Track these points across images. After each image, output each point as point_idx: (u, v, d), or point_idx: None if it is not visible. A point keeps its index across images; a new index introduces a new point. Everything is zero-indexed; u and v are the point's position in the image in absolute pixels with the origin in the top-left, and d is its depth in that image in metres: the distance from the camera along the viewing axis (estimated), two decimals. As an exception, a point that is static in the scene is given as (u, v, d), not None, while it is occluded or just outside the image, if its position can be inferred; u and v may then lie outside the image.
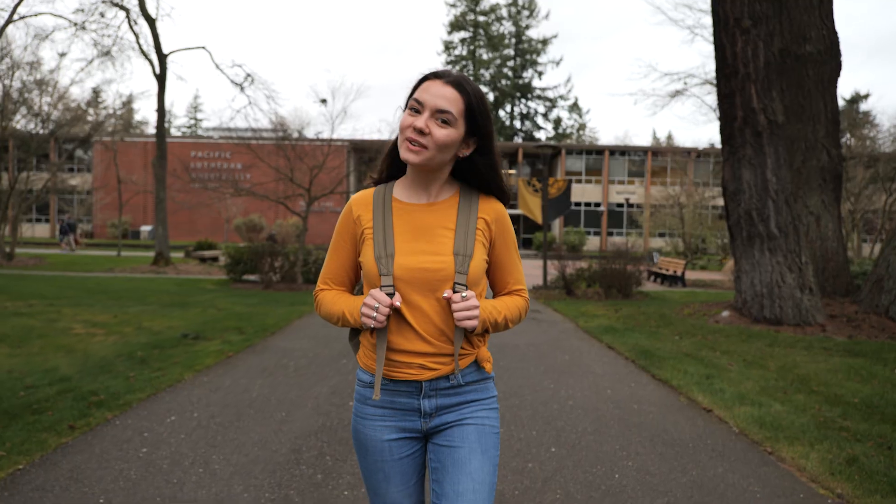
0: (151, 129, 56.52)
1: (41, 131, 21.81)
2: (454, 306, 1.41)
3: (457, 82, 1.45)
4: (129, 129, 41.64)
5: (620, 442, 3.86)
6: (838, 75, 10.30)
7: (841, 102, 60.97)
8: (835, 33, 10.21)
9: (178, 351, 6.30)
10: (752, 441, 3.94)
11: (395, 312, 1.46)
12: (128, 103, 29.75)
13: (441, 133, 1.42)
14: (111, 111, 27.00)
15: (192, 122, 73.11)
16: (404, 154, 1.44)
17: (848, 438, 3.89)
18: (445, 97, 1.43)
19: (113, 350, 6.25)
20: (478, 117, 1.47)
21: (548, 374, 5.75)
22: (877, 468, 3.37)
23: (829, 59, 10.10)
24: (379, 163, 1.61)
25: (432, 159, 1.45)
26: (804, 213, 9.57)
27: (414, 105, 1.45)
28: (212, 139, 44.76)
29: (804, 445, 3.77)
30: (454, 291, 1.44)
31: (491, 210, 1.55)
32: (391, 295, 1.44)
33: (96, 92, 26.86)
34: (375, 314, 1.41)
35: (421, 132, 1.42)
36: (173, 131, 65.45)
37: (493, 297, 1.63)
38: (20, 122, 21.72)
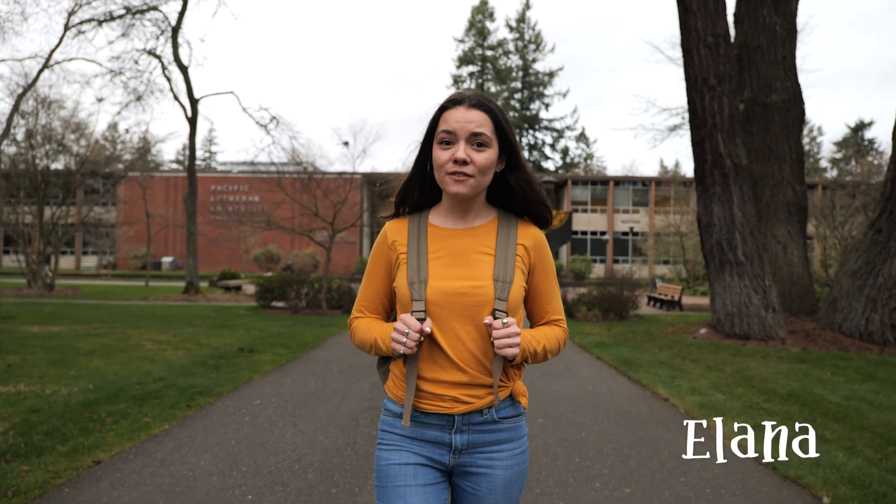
0: (173, 165, 58.85)
1: (77, 170, 23.58)
2: (495, 333, 1.37)
3: (479, 103, 1.45)
4: (158, 167, 43.62)
5: (591, 417, 5.19)
6: (802, 121, 11.73)
7: (845, 131, 61.76)
8: (797, 84, 11.66)
9: (240, 361, 7.69)
10: (690, 415, 5.26)
11: (429, 340, 1.44)
12: (146, 143, 31.72)
13: (482, 157, 1.42)
14: (141, 150, 28.88)
15: (207, 154, 75.60)
16: (453, 189, 1.43)
17: (761, 414, 5.20)
18: (475, 121, 1.42)
19: (187, 360, 7.64)
20: (507, 131, 1.47)
21: (543, 377, 7.07)
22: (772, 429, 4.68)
23: (793, 106, 11.53)
24: (397, 198, 1.58)
25: (479, 185, 1.45)
26: (772, 242, 10.91)
27: (444, 138, 1.44)
28: (230, 173, 46.77)
29: (727, 418, 5.08)
30: (494, 318, 1.41)
31: (530, 236, 1.53)
32: (422, 320, 1.41)
33: (128, 132, 28.71)
34: (405, 339, 1.38)
35: (464, 162, 1.41)
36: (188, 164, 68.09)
37: (531, 326, 1.60)
38: (58, 160, 23.53)
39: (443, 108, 1.47)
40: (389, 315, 1.63)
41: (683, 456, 3.94)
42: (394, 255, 1.52)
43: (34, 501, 3.12)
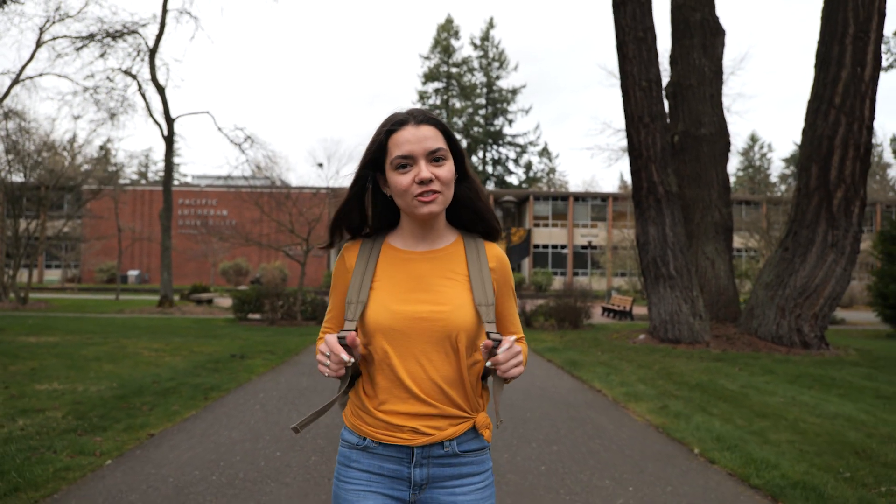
0: (133, 177, 58.76)
1: (46, 184, 24.09)
2: (502, 356, 1.30)
3: (427, 118, 1.41)
4: (129, 183, 43.85)
5: (537, 403, 6.43)
6: (728, 151, 13.31)
7: (793, 148, 64.80)
8: (723, 119, 13.26)
9: (235, 364, 8.73)
10: (616, 402, 6.56)
11: (388, 369, 1.39)
12: (107, 154, 32.27)
13: (444, 171, 1.38)
14: (100, 161, 29.44)
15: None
16: (424, 210, 1.37)
17: (671, 398, 6.52)
18: (429, 137, 1.38)
19: (187, 364, 8.65)
20: (456, 142, 1.44)
21: (499, 374, 8.29)
22: (674, 408, 6.00)
23: (720, 138, 13.11)
24: (331, 226, 1.52)
25: (447, 200, 1.41)
26: (702, 258, 12.41)
27: (401, 163, 1.37)
28: (198, 187, 47.18)
29: (644, 402, 6.38)
30: (492, 339, 1.34)
31: (495, 258, 1.50)
32: (343, 339, 1.32)
33: (108, 150, 29.24)
34: (328, 362, 1.32)
35: (429, 180, 1.36)
36: (151, 176, 68.10)
37: None
38: (32, 176, 24.02)
39: (389, 132, 1.40)
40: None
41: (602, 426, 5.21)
42: (349, 274, 1.49)
43: (117, 459, 4.20)
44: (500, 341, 1.33)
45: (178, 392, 6.53)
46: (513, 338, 1.32)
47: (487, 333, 1.38)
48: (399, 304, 1.40)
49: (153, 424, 5.11)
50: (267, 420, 5.43)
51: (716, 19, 13.34)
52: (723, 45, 13.46)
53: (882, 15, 10.47)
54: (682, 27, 13.29)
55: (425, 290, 1.42)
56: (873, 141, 10.69)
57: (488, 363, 1.32)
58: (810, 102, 11.09)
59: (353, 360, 1.31)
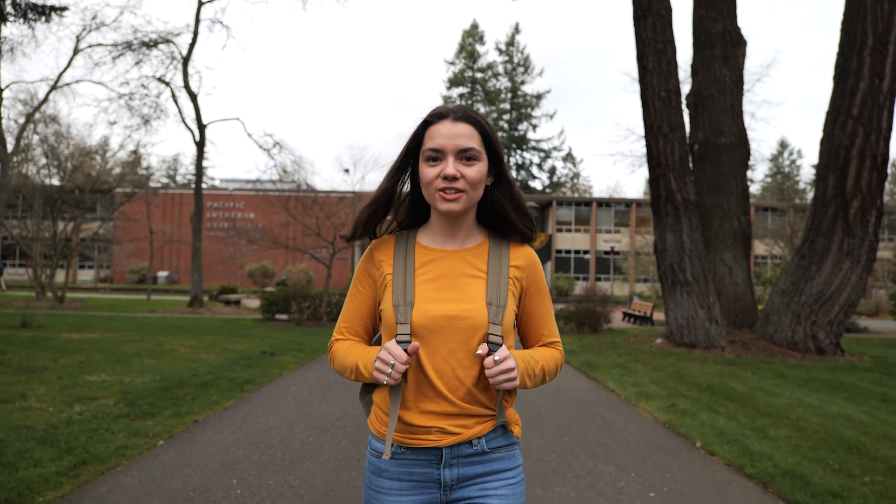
0: (164, 180, 60.20)
1: (87, 187, 25.03)
2: (487, 372, 1.31)
3: (465, 115, 1.41)
4: (164, 187, 45.15)
5: (551, 400, 6.79)
6: (748, 160, 13.51)
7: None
8: (743, 128, 13.46)
9: (266, 361, 9.21)
10: (627, 401, 6.88)
11: (415, 367, 1.38)
12: (137, 158, 33.37)
13: (472, 171, 1.38)
14: (131, 164, 30.47)
15: (196, 170, 77.03)
16: (444, 206, 1.38)
17: (680, 398, 6.83)
18: (463, 134, 1.38)
19: (222, 360, 9.15)
20: (494, 144, 1.43)
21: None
22: (682, 406, 6.31)
23: (739, 147, 13.31)
24: (359, 217, 1.50)
25: (471, 200, 1.41)
26: (720, 265, 12.62)
27: (431, 155, 1.39)
28: (226, 190, 48.26)
29: (654, 401, 6.70)
30: (489, 346, 1.36)
31: (522, 257, 1.48)
32: (406, 344, 1.35)
33: (138, 153, 30.24)
34: (390, 370, 1.30)
35: (454, 178, 1.36)
36: (179, 179, 69.75)
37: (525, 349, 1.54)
38: (67, 179, 25.00)
39: (426, 123, 1.42)
40: (372, 338, 1.56)
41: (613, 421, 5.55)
42: (379, 275, 1.47)
43: (167, 440, 4.67)
44: (493, 351, 1.35)
45: (216, 385, 7.00)
46: (507, 352, 1.33)
47: (489, 336, 1.38)
48: (430, 304, 1.40)
49: (196, 412, 5.58)
50: (300, 410, 5.87)
51: (737, 30, 13.56)
52: (744, 55, 13.66)
53: (900, 27, 10.63)
54: (703, 38, 13.53)
55: (454, 289, 1.42)
56: None
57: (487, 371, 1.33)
58: (828, 113, 11.27)
59: (412, 354, 1.33)
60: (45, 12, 10.21)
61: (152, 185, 35.15)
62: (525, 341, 1.56)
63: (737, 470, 4.30)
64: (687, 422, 5.63)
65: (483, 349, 1.34)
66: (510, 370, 1.32)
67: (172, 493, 3.57)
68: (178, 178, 70.62)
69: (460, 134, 1.38)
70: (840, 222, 10.66)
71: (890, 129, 10.62)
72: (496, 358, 1.31)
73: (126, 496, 3.50)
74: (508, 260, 1.47)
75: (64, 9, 10.60)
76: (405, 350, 1.33)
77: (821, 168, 11.25)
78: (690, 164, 12.52)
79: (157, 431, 4.84)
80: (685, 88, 14.58)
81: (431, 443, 1.39)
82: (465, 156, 1.38)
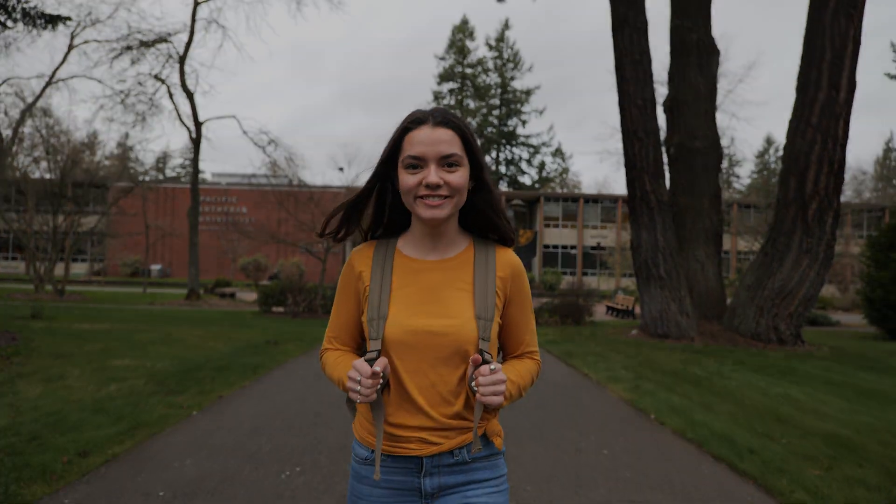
0: (153, 173, 60.53)
1: (85, 183, 25.63)
2: (481, 380, 1.27)
3: (445, 120, 1.37)
4: (156, 180, 45.66)
5: (534, 387, 7.61)
6: (720, 163, 14.40)
7: (880, 152, 65.04)
8: (716, 133, 14.34)
9: (271, 349, 10.00)
10: (598, 383, 7.74)
11: (396, 383, 1.36)
12: (126, 150, 33.98)
13: (455, 178, 1.35)
14: (121, 158, 31.07)
15: (188, 162, 77.39)
16: (427, 214, 1.35)
17: (644, 381, 7.69)
18: (444, 140, 1.35)
19: (230, 348, 9.92)
20: (475, 148, 1.40)
21: (502, 361, 9.50)
22: (645, 388, 7.18)
23: (712, 151, 14.19)
24: (332, 220, 1.47)
25: (456, 207, 1.38)
26: (693, 262, 13.52)
27: (411, 162, 1.35)
28: (219, 185, 48.79)
29: (622, 384, 7.55)
30: (482, 360, 1.32)
31: (507, 265, 1.45)
32: (372, 361, 1.32)
33: (127, 147, 30.82)
34: (360, 388, 1.26)
35: (437, 186, 1.33)
36: (168, 173, 70.08)
37: (503, 358, 1.54)
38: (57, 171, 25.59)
39: (405, 130, 1.38)
40: (362, 345, 1.54)
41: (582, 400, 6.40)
42: (361, 286, 1.45)
43: (200, 412, 5.46)
44: (487, 362, 1.33)
45: (231, 368, 7.79)
46: (496, 365, 1.30)
47: (480, 351, 1.35)
48: (411, 319, 1.37)
49: (219, 389, 6.38)
50: (308, 389, 6.68)
51: (711, 40, 14.41)
52: (717, 64, 14.53)
53: (857, 43, 11.52)
54: (679, 46, 14.37)
55: (436, 303, 1.39)
56: None
57: (472, 383, 1.31)
58: (791, 121, 12.16)
59: (379, 370, 1.27)
60: (54, 21, 10.88)
61: (146, 179, 35.63)
62: (504, 348, 1.54)
63: (680, 435, 5.16)
64: (647, 399, 6.49)
65: (477, 358, 1.31)
66: (501, 382, 1.29)
67: (215, 449, 4.37)
68: (168, 172, 70.98)
69: (441, 140, 1.35)
70: (800, 222, 11.57)
71: (846, 137, 11.51)
72: (492, 367, 1.29)
73: (177, 450, 4.31)
74: (495, 270, 1.44)
75: (68, 18, 11.31)
76: (372, 367, 1.29)
77: (783, 171, 12.15)
78: (665, 167, 13.38)
79: (189, 404, 5.63)
80: (664, 91, 15.44)
81: (412, 452, 1.39)
82: (446, 162, 1.36)
